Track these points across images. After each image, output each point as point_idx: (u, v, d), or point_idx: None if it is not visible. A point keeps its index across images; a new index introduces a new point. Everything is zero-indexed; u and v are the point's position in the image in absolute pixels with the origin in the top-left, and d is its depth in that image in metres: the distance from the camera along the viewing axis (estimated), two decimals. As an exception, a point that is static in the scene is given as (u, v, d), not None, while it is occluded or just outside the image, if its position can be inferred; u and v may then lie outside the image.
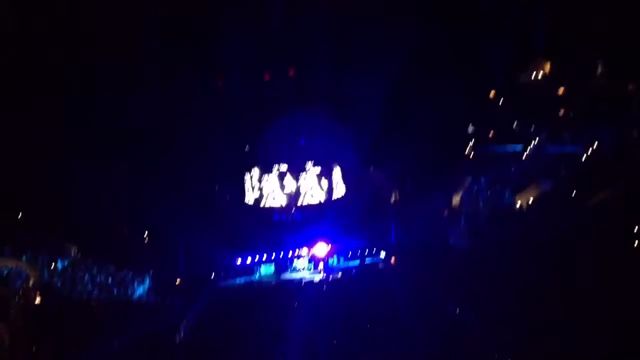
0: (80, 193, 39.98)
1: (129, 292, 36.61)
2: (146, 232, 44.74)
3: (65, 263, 37.74)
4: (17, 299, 31.77)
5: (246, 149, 50.31)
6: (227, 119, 47.20)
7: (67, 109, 41.12)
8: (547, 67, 48.53)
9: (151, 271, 39.80)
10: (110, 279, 37.06)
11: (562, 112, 45.57)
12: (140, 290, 37.64)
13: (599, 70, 45.45)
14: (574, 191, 37.56)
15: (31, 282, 33.92)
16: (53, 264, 36.69)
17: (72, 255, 39.43)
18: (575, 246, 30.92)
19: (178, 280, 39.31)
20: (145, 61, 42.05)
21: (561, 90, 46.75)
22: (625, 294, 24.70)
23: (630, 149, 38.78)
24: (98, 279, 36.65)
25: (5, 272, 33.33)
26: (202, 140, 45.72)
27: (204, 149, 46.00)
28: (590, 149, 41.18)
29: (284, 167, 47.32)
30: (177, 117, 43.67)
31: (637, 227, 31.45)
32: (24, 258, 35.56)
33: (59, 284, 34.69)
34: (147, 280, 38.88)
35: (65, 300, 33.18)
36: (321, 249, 42.32)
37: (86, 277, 36.36)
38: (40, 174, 40.02)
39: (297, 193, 47.05)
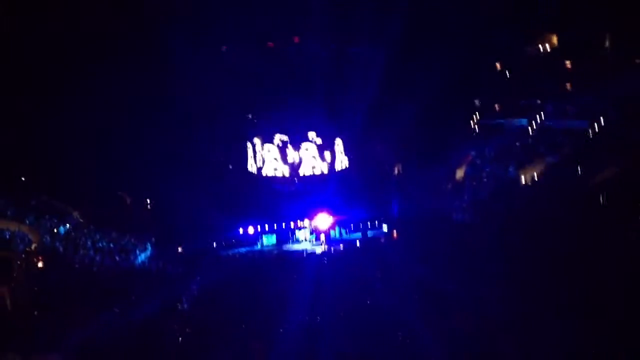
0: (84, 159, 40.01)
1: (131, 258, 36.68)
2: (148, 199, 44.85)
3: (68, 228, 37.83)
4: (19, 263, 31.88)
5: (249, 117, 50.13)
6: (231, 88, 46.84)
7: (73, 76, 40.91)
8: (554, 39, 47.96)
9: (153, 238, 39.93)
10: (112, 245, 37.13)
11: (568, 86, 45.12)
12: (142, 257, 37.75)
13: (607, 43, 44.90)
14: (579, 166, 37.32)
15: (34, 246, 34.02)
16: (56, 228, 36.76)
17: (75, 220, 39.56)
18: (579, 222, 30.83)
19: (180, 248, 39.39)
20: (148, 28, 41.55)
21: (568, 64, 46.23)
22: (629, 271, 24.63)
23: (637, 124, 38.41)
24: (100, 245, 36.73)
25: (8, 235, 33.37)
26: (205, 108, 45.51)
27: (207, 116, 45.85)
28: (596, 124, 40.81)
29: (285, 137, 47.16)
30: (180, 85, 43.42)
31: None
32: (27, 222, 35.61)
33: (61, 249, 34.74)
34: (149, 248, 38.99)
35: (67, 265, 33.22)
36: (323, 220, 42.33)
37: (88, 242, 36.42)
38: (45, 139, 40.02)
39: (299, 163, 46.99)
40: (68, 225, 38.09)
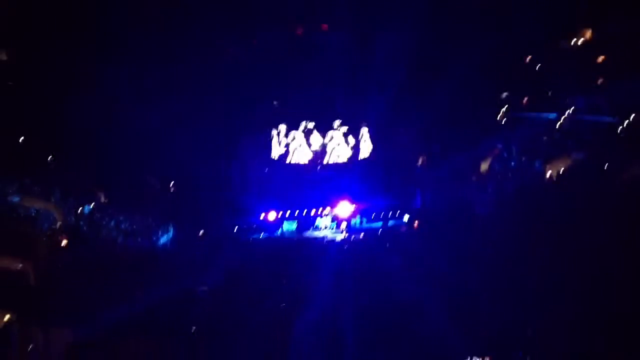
0: (110, 140, 40.38)
1: (153, 240, 37.05)
2: (172, 182, 45.16)
3: (92, 208, 38.28)
4: (44, 240, 32.43)
5: (274, 104, 50.05)
6: (256, 73, 46.80)
7: (101, 60, 41.16)
8: (588, 34, 46.90)
9: (175, 221, 40.26)
10: (135, 227, 37.51)
11: (600, 81, 44.16)
12: (164, 239, 38.12)
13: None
14: (607, 164, 36.59)
15: (58, 225, 34.53)
16: (80, 208, 37.20)
17: (99, 200, 40.00)
18: (605, 221, 30.26)
19: (201, 231, 39.68)
20: (176, 13, 41.63)
21: (601, 59, 45.21)
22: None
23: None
24: (123, 226, 37.13)
25: (34, 212, 33.89)
26: (231, 94, 45.53)
27: (232, 101, 45.87)
28: (627, 120, 39.95)
29: (311, 124, 47.04)
30: (207, 70, 43.45)
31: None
32: (52, 200, 36.10)
33: (85, 228, 35.21)
34: (171, 230, 39.34)
35: (90, 245, 33.70)
36: (344, 208, 42.30)
37: (112, 223, 36.84)
38: (72, 119, 40.40)
39: (323, 151, 46.84)
40: (92, 205, 38.49)
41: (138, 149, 41.98)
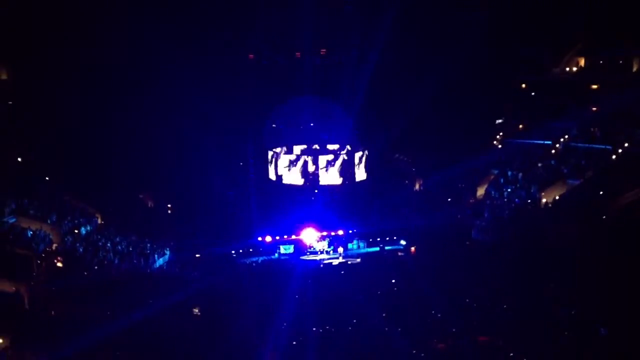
0: (108, 162, 40.53)
1: (149, 262, 36.93)
2: (169, 204, 45.23)
3: (89, 229, 38.24)
4: (39, 262, 32.30)
5: (272, 127, 50.32)
6: (255, 96, 47.17)
7: (103, 83, 41.47)
8: (582, 62, 47.62)
9: (172, 243, 40.21)
10: (131, 248, 37.42)
11: (594, 108, 44.71)
12: (160, 261, 38.01)
13: (634, 67, 44.47)
14: (602, 190, 36.90)
15: (54, 246, 34.44)
16: (77, 229, 37.15)
17: (96, 222, 40.00)
18: (599, 247, 30.48)
19: (198, 254, 39.58)
20: (175, 36, 42.02)
21: (594, 87, 45.83)
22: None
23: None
24: (119, 248, 37.03)
25: (30, 234, 33.81)
26: (228, 116, 45.78)
27: (230, 124, 46.11)
28: (621, 148, 40.39)
29: (307, 147, 47.30)
30: (204, 92, 43.69)
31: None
32: (49, 222, 36.05)
33: (81, 250, 35.11)
34: (167, 252, 39.25)
35: (86, 267, 33.57)
36: (341, 232, 42.36)
37: (108, 244, 36.75)
38: (70, 141, 40.58)
39: (319, 174, 47.02)
40: (89, 226, 38.47)
41: (135, 171, 42.13)
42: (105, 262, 34.61)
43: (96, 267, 33.56)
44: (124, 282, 32.19)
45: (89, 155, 40.70)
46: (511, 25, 44.76)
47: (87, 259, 34.24)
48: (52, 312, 28.65)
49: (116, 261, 35.19)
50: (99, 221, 40.40)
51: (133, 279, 33.10)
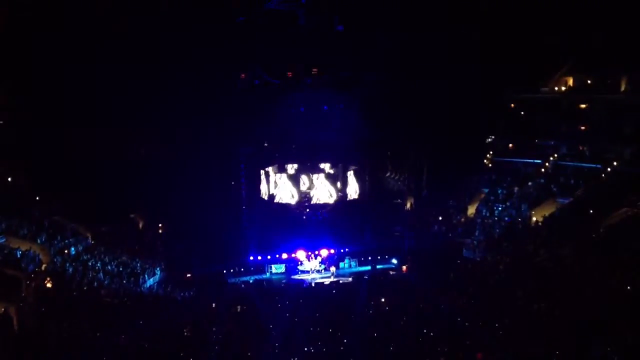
0: (98, 181, 40.37)
1: (140, 282, 36.72)
2: (160, 224, 45.07)
3: (79, 249, 37.99)
4: (28, 283, 31.99)
5: (264, 146, 50.41)
6: (247, 115, 47.29)
7: (90, 98, 41.42)
8: (570, 81, 48.10)
9: (162, 263, 40.03)
10: (121, 269, 37.20)
11: (583, 127, 45.13)
12: (150, 281, 37.80)
13: (622, 86, 44.94)
14: (591, 208, 37.12)
15: (43, 267, 34.14)
16: (67, 249, 36.91)
17: (86, 242, 39.77)
18: (589, 264, 30.59)
19: (188, 274, 39.41)
20: (166, 53, 42.19)
21: (583, 106, 46.28)
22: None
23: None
24: (109, 268, 36.80)
25: (19, 254, 33.54)
26: (220, 135, 45.84)
27: (222, 144, 46.15)
28: (610, 167, 40.72)
29: (299, 166, 47.41)
30: (196, 111, 43.80)
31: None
32: (38, 241, 35.81)
33: (70, 270, 34.84)
34: (158, 272, 39.05)
35: (75, 287, 33.29)
36: (333, 251, 42.34)
37: (98, 264, 36.51)
38: (60, 161, 40.43)
39: (311, 194, 47.09)
40: (79, 246, 38.23)
41: (125, 191, 41.99)
42: (95, 282, 34.33)
43: (85, 288, 33.25)
44: (114, 303, 31.95)
45: (80, 174, 40.55)
46: (500, 45, 45.17)
47: (77, 279, 33.95)
48: (41, 333, 28.31)
49: (106, 281, 34.93)
50: (90, 241, 40.16)
51: (123, 299, 32.87)
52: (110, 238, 40.70)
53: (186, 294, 36.32)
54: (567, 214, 38.52)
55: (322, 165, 47.57)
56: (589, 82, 46.70)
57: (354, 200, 47.57)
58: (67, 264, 35.23)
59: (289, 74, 51.69)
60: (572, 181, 41.46)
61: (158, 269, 39.27)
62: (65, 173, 40.65)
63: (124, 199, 42.59)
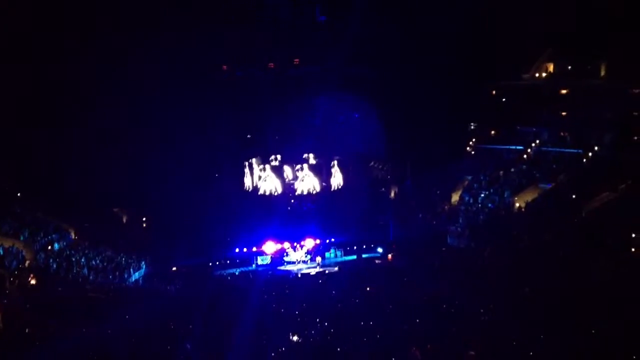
0: (81, 176, 40.06)
1: (125, 277, 36.55)
2: (144, 218, 44.84)
3: (62, 245, 37.73)
4: (12, 280, 31.74)
5: (247, 137, 50.34)
6: (230, 107, 47.13)
7: (71, 94, 41.08)
8: (551, 67, 48.43)
9: (148, 257, 39.84)
10: (106, 263, 37.00)
11: (564, 113, 45.48)
12: (136, 275, 37.64)
13: (602, 72, 45.35)
14: (573, 193, 37.52)
15: (27, 263, 33.91)
16: (50, 245, 36.65)
17: (70, 237, 39.49)
18: (572, 249, 30.95)
19: (174, 267, 39.29)
20: (151, 47, 41.92)
21: (564, 92, 46.64)
22: (621, 298, 24.74)
23: (632, 152, 38.71)
24: (94, 263, 36.59)
25: (2, 251, 33.26)
26: (203, 127, 45.67)
27: (205, 135, 45.98)
28: (591, 152, 41.14)
29: (283, 157, 47.36)
30: (179, 104, 43.61)
31: (634, 234, 31.45)
32: (21, 238, 35.50)
33: (54, 266, 34.61)
34: (144, 266, 38.89)
35: (60, 283, 33.07)
36: (318, 241, 42.38)
37: (82, 260, 36.28)
38: (41, 156, 40.08)
39: (295, 184, 47.12)
40: (63, 242, 37.96)
41: (108, 185, 41.67)
42: (80, 277, 34.14)
43: (70, 283, 33.06)
44: (99, 298, 31.79)
45: (62, 170, 40.21)
46: (482, 33, 45.34)
47: (61, 275, 33.75)
48: (26, 330, 28.13)
49: (91, 277, 34.75)
50: (73, 236, 39.86)
51: (108, 294, 32.71)
52: (94, 233, 40.43)
53: (172, 287, 36.19)
54: (549, 200, 38.88)
55: (305, 156, 47.54)
56: (569, 68, 47.06)
57: (339, 190, 47.64)
58: (51, 260, 35.00)
59: (271, 65, 51.63)
60: (554, 167, 41.83)
61: (143, 263, 39.09)
62: (47, 169, 40.32)
63: (106, 194, 42.29)
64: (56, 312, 28.96)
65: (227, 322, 28.39)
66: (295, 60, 51.53)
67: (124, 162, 42.25)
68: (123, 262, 37.86)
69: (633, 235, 31.50)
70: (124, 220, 45.21)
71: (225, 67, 51.09)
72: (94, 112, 41.66)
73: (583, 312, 24.71)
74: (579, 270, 28.69)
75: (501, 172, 43.75)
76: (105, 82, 42.18)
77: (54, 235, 37.97)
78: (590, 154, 41.10)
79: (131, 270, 37.45)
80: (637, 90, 42.42)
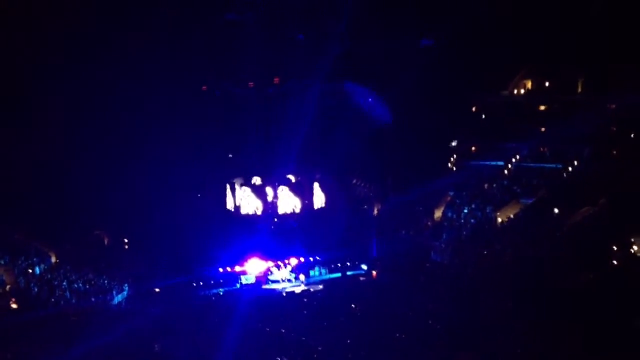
0: (61, 199, 39.72)
1: (107, 299, 36.15)
2: (126, 239, 44.44)
3: (44, 268, 37.29)
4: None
5: (229, 157, 50.32)
6: (211, 128, 47.13)
7: (49, 115, 40.80)
8: (529, 84, 49.11)
9: (130, 279, 39.42)
10: (88, 286, 36.60)
11: (543, 129, 46.06)
12: (118, 298, 37.23)
13: (579, 88, 46.09)
14: (554, 208, 37.91)
15: (7, 287, 33.47)
16: (31, 269, 36.20)
17: (51, 261, 39.03)
18: (554, 263, 31.23)
19: (157, 288, 38.92)
20: (132, 69, 41.90)
21: (542, 108, 47.29)
22: (603, 310, 24.99)
23: (611, 166, 39.27)
24: (75, 286, 36.18)
25: (-19, 276, 32.86)
26: (184, 148, 45.58)
27: (186, 157, 45.87)
28: (570, 166, 41.68)
29: (265, 177, 47.40)
30: (160, 126, 43.50)
31: (615, 247, 31.83)
32: (1, 262, 35.05)
33: (35, 290, 34.17)
34: (126, 288, 38.48)
35: (41, 307, 32.66)
36: (302, 259, 42.33)
37: (64, 283, 35.87)
38: (20, 177, 39.64)
39: (278, 203, 47.12)
40: (44, 265, 37.52)
41: (89, 206, 41.34)
42: (62, 301, 33.73)
43: (52, 308, 32.65)
44: (81, 321, 31.40)
45: (42, 193, 39.82)
46: (461, 51, 45.96)
47: (43, 298, 33.33)
48: (8, 356, 27.70)
49: (73, 300, 34.34)
50: (54, 260, 39.40)
51: (91, 317, 32.31)
52: (75, 256, 39.97)
53: (155, 309, 35.81)
54: (530, 214, 39.24)
55: (288, 176, 47.63)
56: (546, 84, 47.78)
57: (322, 208, 47.70)
58: (32, 284, 34.58)
59: (251, 84, 51.81)
60: (535, 182, 42.26)
61: (126, 284, 38.68)
62: (27, 192, 39.86)
63: (87, 216, 41.93)
64: (38, 336, 28.58)
65: (211, 342, 28.23)
66: (276, 79, 51.76)
67: (105, 183, 41.96)
68: (105, 284, 37.46)
69: (614, 248, 31.89)
70: (106, 242, 44.73)
71: (204, 87, 51.15)
72: (74, 134, 41.47)
73: (566, 324, 24.93)
74: (561, 284, 28.94)
75: (482, 189, 44.09)
76: (85, 103, 42.02)
77: (34, 259, 37.51)
78: (569, 168, 41.62)
79: (114, 292, 37.05)
80: (613, 105, 43.10)
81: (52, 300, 33.74)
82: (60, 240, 40.58)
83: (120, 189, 42.29)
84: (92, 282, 37.28)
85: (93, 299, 35.34)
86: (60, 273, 37.35)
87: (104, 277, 38.20)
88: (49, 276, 36.44)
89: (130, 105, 41.34)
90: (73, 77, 40.75)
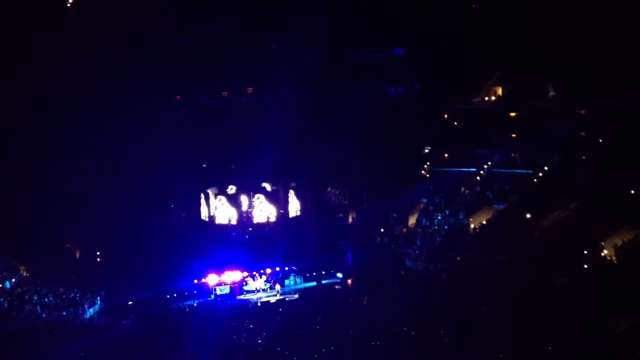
0: (30, 211, 39.08)
1: (79, 313, 35.62)
2: (98, 252, 43.81)
3: (13, 283, 36.66)
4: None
5: (203, 167, 50.04)
6: (184, 137, 46.80)
7: (22, 126, 40.25)
8: (499, 91, 49.63)
9: (102, 292, 38.88)
10: (59, 300, 36.04)
11: (514, 135, 46.58)
12: (90, 311, 36.70)
13: (550, 93, 46.70)
14: (526, 213, 38.38)
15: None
16: (0, 283, 35.59)
17: (21, 275, 38.38)
18: (526, 268, 31.59)
19: (130, 301, 38.42)
20: (103, 80, 41.59)
21: (513, 114, 47.83)
22: (574, 315, 25.34)
23: (580, 171, 39.86)
24: (46, 300, 35.61)
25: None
26: (157, 159, 45.17)
27: (159, 167, 45.46)
28: (541, 172, 42.22)
29: (239, 186, 47.19)
30: (132, 134, 43.06)
31: (586, 250, 32.32)
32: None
33: (5, 305, 33.59)
34: (98, 301, 37.96)
35: (11, 322, 32.07)
36: (277, 269, 42.17)
37: (34, 297, 35.28)
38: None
39: (253, 213, 46.91)
40: (13, 279, 36.86)
41: (60, 218, 40.72)
42: (32, 315, 33.16)
43: (22, 322, 32.08)
44: (53, 335, 30.91)
45: (10, 206, 39.13)
46: (432, 59, 46.35)
47: (13, 313, 32.77)
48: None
49: (43, 314, 33.77)
50: (24, 274, 38.72)
51: (62, 331, 31.81)
52: (45, 269, 39.32)
53: (128, 321, 35.36)
54: (503, 220, 39.67)
55: (262, 185, 47.47)
56: (517, 90, 48.32)
57: (296, 217, 47.61)
58: (2, 298, 33.99)
59: (224, 93, 51.63)
60: (506, 187, 42.74)
61: (98, 298, 38.14)
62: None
63: (58, 230, 41.26)
64: (8, 352, 28.06)
65: (186, 354, 27.99)
66: (249, 88, 51.67)
67: (76, 195, 41.38)
68: (77, 297, 36.91)
69: (585, 252, 32.38)
70: (77, 254, 44.07)
71: (178, 96, 50.81)
72: (44, 146, 40.91)
73: (540, 328, 25.21)
74: (534, 288, 29.27)
75: (455, 195, 44.43)
76: (53, 113, 41.49)
77: (4, 273, 36.86)
78: (540, 174, 42.15)
79: (85, 305, 36.53)
80: (582, 111, 43.78)
81: (23, 314, 33.09)
82: (30, 254, 39.86)
83: (92, 200, 41.74)
84: (63, 296, 36.72)
85: (64, 313, 34.78)
86: (30, 287, 36.71)
87: (76, 290, 37.63)
88: (19, 290, 35.79)
89: (101, 116, 40.89)
90: (40, 88, 40.26)
